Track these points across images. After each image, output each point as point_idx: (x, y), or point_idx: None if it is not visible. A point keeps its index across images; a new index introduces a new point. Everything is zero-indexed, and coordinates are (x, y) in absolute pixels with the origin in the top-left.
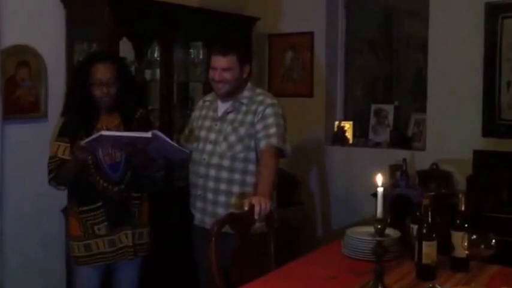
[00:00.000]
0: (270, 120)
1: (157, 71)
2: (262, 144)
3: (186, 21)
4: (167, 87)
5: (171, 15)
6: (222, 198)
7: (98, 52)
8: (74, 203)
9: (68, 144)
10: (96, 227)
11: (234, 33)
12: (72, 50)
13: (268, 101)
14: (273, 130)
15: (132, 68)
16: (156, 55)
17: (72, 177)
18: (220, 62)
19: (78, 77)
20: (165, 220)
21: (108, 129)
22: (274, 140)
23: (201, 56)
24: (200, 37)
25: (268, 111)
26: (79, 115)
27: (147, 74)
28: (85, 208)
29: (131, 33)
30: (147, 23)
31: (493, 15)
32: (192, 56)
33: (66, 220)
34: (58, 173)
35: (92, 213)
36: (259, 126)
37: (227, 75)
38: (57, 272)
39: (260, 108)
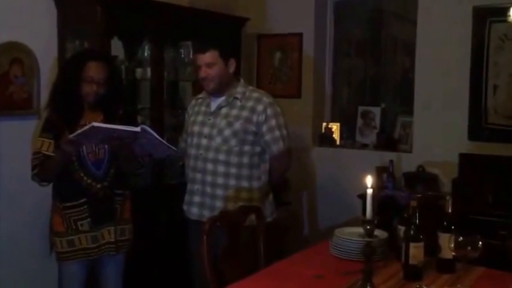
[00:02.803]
0: (273, 122)
1: (148, 69)
2: (273, 149)
3: (176, 20)
4: (157, 86)
5: (162, 15)
6: (219, 192)
7: (94, 50)
8: (57, 199)
9: (52, 141)
10: (79, 223)
11: (219, 32)
12: (64, 48)
13: (266, 99)
14: (278, 133)
15: (123, 67)
16: (146, 54)
17: (56, 173)
18: (201, 58)
19: (70, 71)
20: (154, 217)
21: None
22: (281, 145)
23: (191, 56)
24: (190, 36)
25: (270, 112)
26: (63, 110)
27: (138, 72)
28: (68, 204)
29: (122, 32)
30: (137, 22)
31: (480, 19)
32: (182, 55)
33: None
34: (42, 168)
35: (75, 210)
36: (264, 128)
37: (211, 71)
38: (53, 266)
39: (260, 108)
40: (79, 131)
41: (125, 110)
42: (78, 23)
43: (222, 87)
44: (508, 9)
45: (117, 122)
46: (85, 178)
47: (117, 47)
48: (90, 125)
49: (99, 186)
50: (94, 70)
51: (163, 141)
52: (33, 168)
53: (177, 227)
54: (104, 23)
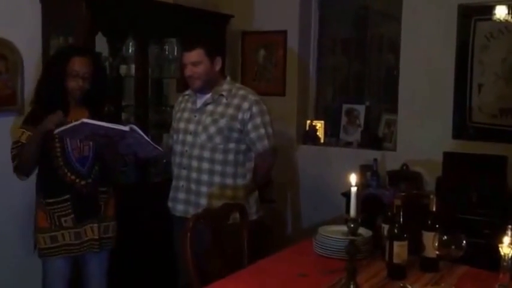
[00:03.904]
0: (258, 120)
1: (132, 66)
2: (258, 147)
3: (161, 17)
4: (142, 83)
5: (146, 11)
6: (204, 189)
7: (78, 46)
8: (40, 195)
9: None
10: (63, 219)
11: (204, 30)
12: (48, 45)
13: (251, 97)
14: (263, 131)
15: (107, 64)
16: (130, 51)
17: (33, 159)
18: (187, 57)
19: (54, 66)
20: (139, 214)
21: None
22: (266, 143)
23: (175, 53)
24: (174, 34)
25: (255, 109)
26: (49, 106)
27: (122, 69)
28: (52, 200)
29: (107, 28)
30: (122, 18)
31: (465, 17)
32: (167, 52)
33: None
34: (20, 157)
35: (59, 206)
36: (249, 126)
37: (197, 69)
38: (38, 263)
39: (245, 105)
40: (67, 126)
41: (110, 107)
42: (62, 20)
43: (208, 85)
44: (493, 7)
45: (104, 119)
46: (69, 174)
47: (101, 44)
48: (80, 120)
49: (83, 183)
50: (79, 65)
51: (150, 141)
52: (13, 159)
53: (162, 224)
54: (89, 19)
